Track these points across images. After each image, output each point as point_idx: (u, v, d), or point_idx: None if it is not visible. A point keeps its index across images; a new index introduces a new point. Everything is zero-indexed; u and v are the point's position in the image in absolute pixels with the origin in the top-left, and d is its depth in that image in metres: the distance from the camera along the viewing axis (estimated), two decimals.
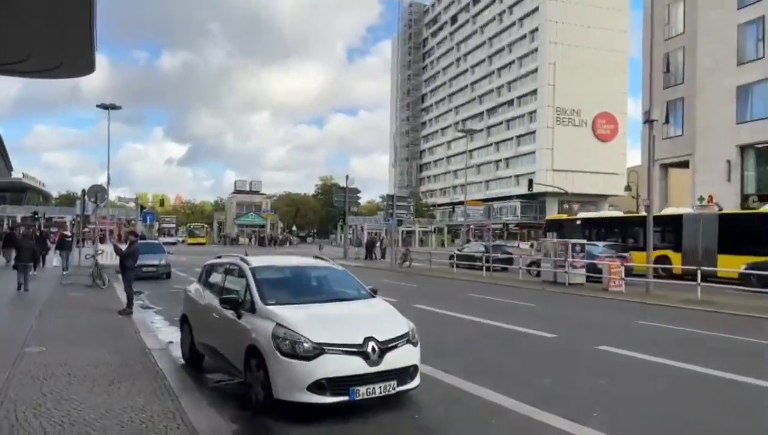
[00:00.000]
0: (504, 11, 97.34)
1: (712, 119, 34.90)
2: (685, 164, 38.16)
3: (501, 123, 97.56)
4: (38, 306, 13.38)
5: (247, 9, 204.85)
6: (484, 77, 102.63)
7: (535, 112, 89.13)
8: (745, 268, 20.06)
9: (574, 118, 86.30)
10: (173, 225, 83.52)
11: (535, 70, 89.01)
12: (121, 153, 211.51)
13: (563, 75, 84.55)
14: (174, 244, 60.28)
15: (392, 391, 5.99)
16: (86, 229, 33.50)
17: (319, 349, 5.76)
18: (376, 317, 6.71)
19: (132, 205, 71.30)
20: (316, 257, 8.74)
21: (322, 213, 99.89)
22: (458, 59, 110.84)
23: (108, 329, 10.50)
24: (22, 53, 8.27)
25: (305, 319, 6.16)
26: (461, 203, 63.47)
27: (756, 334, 11.38)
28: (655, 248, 21.47)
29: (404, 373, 6.13)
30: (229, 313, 6.85)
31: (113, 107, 29.09)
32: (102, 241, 30.60)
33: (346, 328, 6.16)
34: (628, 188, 47.29)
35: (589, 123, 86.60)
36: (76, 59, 8.65)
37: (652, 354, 9.16)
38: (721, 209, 26.56)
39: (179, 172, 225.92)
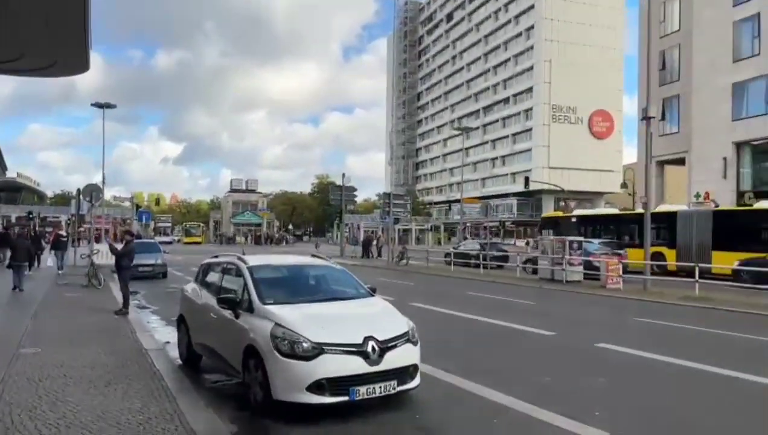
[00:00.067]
0: (500, 9, 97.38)
1: (707, 116, 34.95)
2: (681, 161, 38.21)
3: (497, 120, 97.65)
4: (33, 306, 13.28)
5: (243, 8, 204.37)
6: (480, 75, 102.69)
7: (531, 109, 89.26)
8: (738, 265, 20.13)
9: (570, 116, 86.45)
10: (169, 224, 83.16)
11: (531, 68, 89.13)
12: (117, 152, 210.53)
13: (559, 72, 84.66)
14: (170, 243, 60.05)
15: (392, 391, 5.93)
16: (82, 229, 33.37)
17: (319, 349, 5.70)
18: (375, 316, 6.66)
19: (127, 204, 71.08)
20: (314, 256, 8.68)
21: (319, 211, 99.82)
22: (454, 57, 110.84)
23: (104, 330, 10.41)
24: (16, 52, 8.19)
25: (304, 319, 6.10)
26: (458, 201, 63.47)
27: (755, 331, 11.38)
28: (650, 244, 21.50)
29: (404, 373, 6.08)
30: (227, 313, 6.78)
31: (108, 106, 28.98)
32: (97, 240, 30.48)
33: (345, 328, 6.11)
34: (624, 185, 47.28)
35: (585, 120, 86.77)
36: (70, 58, 8.57)
37: (651, 351, 9.14)
38: (717, 206, 26.64)
39: (175, 171, 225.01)
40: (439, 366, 7.76)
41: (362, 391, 5.73)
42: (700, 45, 35.74)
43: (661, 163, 39.01)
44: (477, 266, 27.28)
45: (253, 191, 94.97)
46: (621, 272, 19.55)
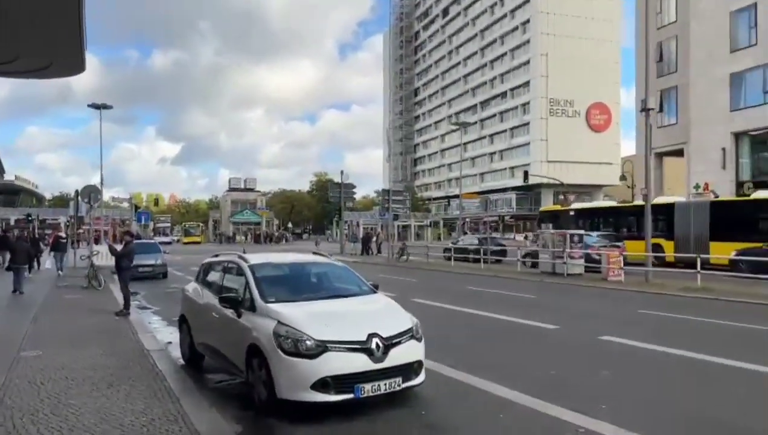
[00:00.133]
0: (495, 3, 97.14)
1: (706, 107, 34.89)
2: (679, 153, 38.16)
3: (494, 115, 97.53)
4: (34, 309, 13.21)
5: (237, 6, 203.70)
6: (477, 70, 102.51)
7: (528, 103, 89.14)
8: (735, 255, 20.13)
9: (568, 109, 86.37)
10: (168, 224, 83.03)
11: (528, 62, 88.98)
12: (114, 153, 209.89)
13: (556, 66, 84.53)
14: (169, 243, 59.91)
15: (397, 388, 5.89)
16: (81, 230, 33.28)
17: (323, 347, 5.65)
18: (378, 313, 6.60)
19: (126, 205, 71.02)
20: (315, 253, 8.62)
21: (317, 209, 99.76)
22: (450, 52, 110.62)
23: (105, 331, 10.35)
24: (11, 54, 8.13)
25: (307, 317, 6.05)
26: (456, 196, 63.45)
27: (758, 321, 11.36)
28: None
29: (409, 369, 6.04)
30: (229, 312, 6.73)
31: (104, 107, 28.83)
32: (97, 241, 30.39)
33: (349, 325, 6.06)
34: (623, 178, 47.35)
35: (583, 113, 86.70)
36: (65, 59, 8.51)
37: (655, 343, 9.11)
38: (717, 197, 26.65)
39: (173, 171, 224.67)
40: (444, 361, 7.72)
41: (367, 389, 5.68)
42: (697, 36, 35.66)
43: (660, 155, 38.95)
44: (475, 261, 27.31)
45: (251, 190, 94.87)
46: (622, 264, 19.54)
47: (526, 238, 62.85)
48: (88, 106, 28.88)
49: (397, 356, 5.91)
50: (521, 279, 21.17)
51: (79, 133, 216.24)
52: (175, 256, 34.28)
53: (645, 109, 20.08)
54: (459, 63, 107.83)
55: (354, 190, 42.95)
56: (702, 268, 17.41)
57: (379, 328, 5.97)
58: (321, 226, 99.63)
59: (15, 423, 5.44)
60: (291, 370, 5.61)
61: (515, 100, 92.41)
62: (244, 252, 7.87)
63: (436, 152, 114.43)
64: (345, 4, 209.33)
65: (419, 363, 6.21)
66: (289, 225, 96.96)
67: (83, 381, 6.87)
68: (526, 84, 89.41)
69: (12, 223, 58.17)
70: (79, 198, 23.82)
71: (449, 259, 29.48)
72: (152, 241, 31.31)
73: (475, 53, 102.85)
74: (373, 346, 5.77)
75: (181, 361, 8.40)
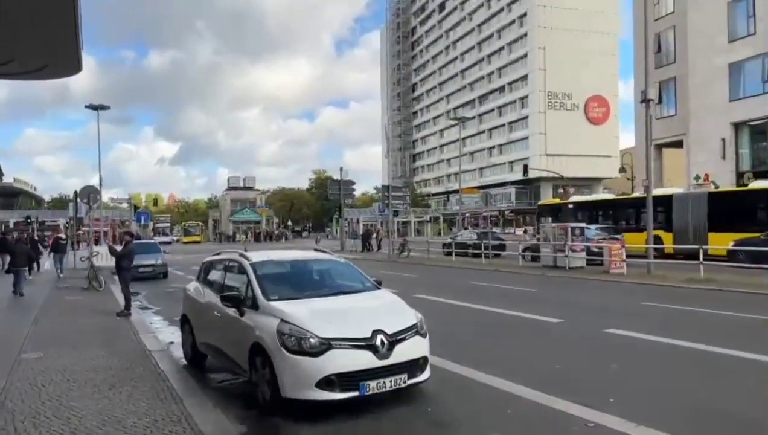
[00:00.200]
0: None
1: (704, 98, 34.80)
2: (678, 144, 38.09)
3: (493, 110, 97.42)
4: (34, 311, 13.15)
5: (233, 5, 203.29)
6: (474, 64, 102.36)
7: (526, 97, 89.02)
8: (733, 245, 20.09)
9: (566, 102, 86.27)
10: (168, 224, 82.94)
11: (525, 56, 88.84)
12: (113, 154, 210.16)
13: (553, 59, 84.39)
14: (169, 243, 59.89)
15: (403, 385, 5.82)
16: (80, 232, 33.19)
17: (327, 345, 5.58)
18: (382, 309, 6.53)
19: (125, 205, 70.79)
20: (316, 250, 8.55)
21: (317, 207, 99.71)
22: (447, 47, 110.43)
23: (106, 332, 10.29)
24: (6, 55, 8.07)
25: (310, 314, 5.97)
26: (456, 192, 63.39)
27: (764, 312, 11.28)
28: (646, 229, 21.45)
29: (414, 366, 5.97)
30: (231, 311, 6.66)
31: (102, 108, 28.78)
32: (97, 242, 30.32)
33: (352, 322, 5.98)
34: (623, 170, 47.30)
35: (581, 106, 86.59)
36: (62, 60, 8.45)
37: (661, 335, 9.05)
38: (717, 187, 26.61)
39: (171, 171, 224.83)
40: (449, 357, 7.65)
41: (372, 386, 5.61)
42: (695, 26, 35.54)
43: (659, 147, 38.87)
44: (475, 256, 27.27)
45: (250, 188, 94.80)
46: (624, 257, 19.49)
47: (525, 232, 62.86)
48: (86, 107, 28.87)
49: (402, 353, 5.84)
50: (523, 273, 21.12)
51: (78, 135, 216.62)
52: (175, 255, 34.23)
53: (645, 100, 20.00)
54: (456, 58, 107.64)
55: (353, 186, 42.86)
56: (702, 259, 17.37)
57: (383, 324, 5.90)
58: (321, 224, 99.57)
59: (16, 426, 5.37)
60: (295, 368, 5.55)
61: (513, 94, 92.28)
62: (246, 250, 7.80)
63: (434, 148, 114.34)
64: (341, 0, 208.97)
65: (424, 359, 6.14)
66: (289, 223, 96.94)
67: (85, 383, 6.80)
68: (524, 78, 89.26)
69: (11, 225, 58.04)
70: (78, 199, 23.73)
71: (449, 254, 29.43)
72: (152, 241, 31.24)
73: (473, 48, 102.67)
74: (378, 342, 5.70)
75: (184, 361, 8.33)
